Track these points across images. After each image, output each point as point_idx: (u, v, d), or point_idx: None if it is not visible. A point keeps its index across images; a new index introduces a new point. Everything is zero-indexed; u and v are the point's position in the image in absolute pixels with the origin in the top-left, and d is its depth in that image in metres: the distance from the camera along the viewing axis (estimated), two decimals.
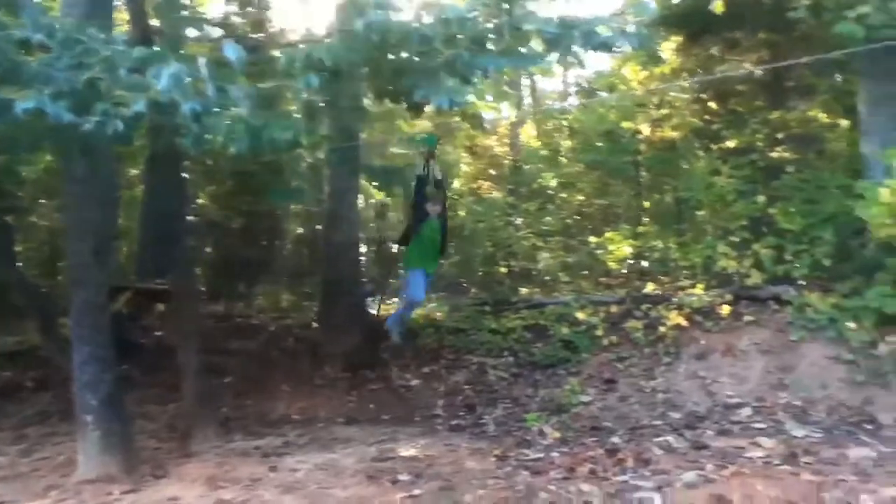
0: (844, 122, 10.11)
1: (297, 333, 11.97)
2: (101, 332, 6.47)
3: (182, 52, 7.53)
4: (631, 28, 6.29)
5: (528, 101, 21.97)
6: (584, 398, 8.59)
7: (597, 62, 22.40)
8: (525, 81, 22.26)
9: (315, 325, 11.96)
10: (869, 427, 6.95)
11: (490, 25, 6.58)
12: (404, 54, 6.29)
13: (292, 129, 5.64)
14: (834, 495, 5.07)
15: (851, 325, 8.02)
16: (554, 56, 6.44)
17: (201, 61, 4.49)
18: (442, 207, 8.20)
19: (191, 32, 9.78)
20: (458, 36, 6.48)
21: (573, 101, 17.11)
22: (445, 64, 6.40)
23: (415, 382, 10.26)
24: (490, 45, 6.55)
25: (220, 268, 13.99)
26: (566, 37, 6.26)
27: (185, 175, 11.53)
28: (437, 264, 8.08)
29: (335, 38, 5.99)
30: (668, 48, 10.47)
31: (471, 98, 15.84)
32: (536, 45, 6.46)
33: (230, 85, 4.55)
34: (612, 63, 13.24)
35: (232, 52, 4.49)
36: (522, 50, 6.48)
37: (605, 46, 6.22)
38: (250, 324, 13.11)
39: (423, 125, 13.28)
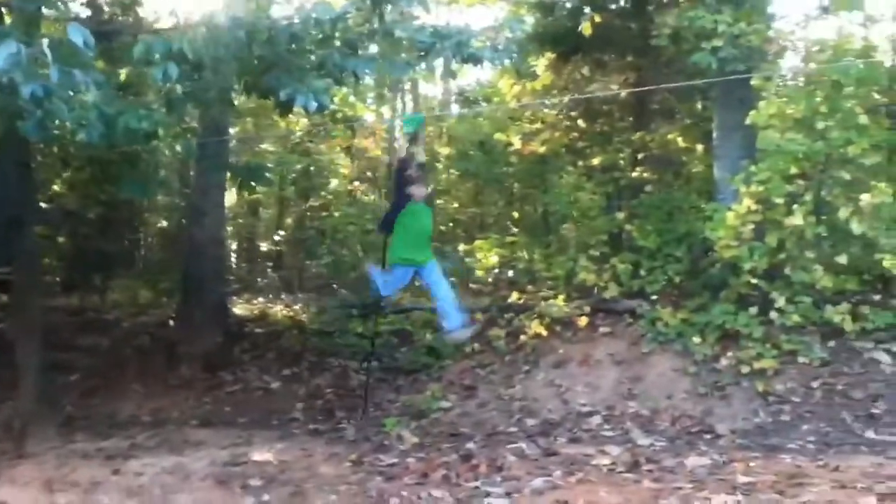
0: (700, 147, 10.70)
1: (154, 331, 11.48)
2: None
3: (40, 31, 7.05)
4: (501, 44, 6.41)
5: (410, 106, 22.17)
6: (444, 404, 8.67)
7: (476, 73, 22.85)
8: (407, 87, 22.54)
9: (173, 323, 11.49)
10: (707, 437, 7.33)
11: (363, 30, 6.57)
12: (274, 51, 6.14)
13: (150, 119, 5.39)
14: (670, 502, 5.31)
15: (697, 339, 8.47)
16: (425, 64, 6.47)
17: (44, 42, 4.19)
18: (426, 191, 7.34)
19: (49, 11, 9.14)
20: (330, 38, 6.43)
21: (454, 109, 17.33)
22: (318, 64, 6.32)
23: (275, 385, 10.06)
24: (364, 50, 6.53)
25: (76, 259, 13.20)
26: (438, 47, 6.31)
27: (32, 160, 10.79)
28: (430, 254, 7.03)
29: (200, 30, 5.75)
30: (542, 65, 10.75)
31: (342, 99, 16.04)
32: (409, 52, 6.50)
33: (77, 69, 4.26)
34: (491, 75, 13.54)
35: (77, 34, 4.20)
36: (403, 56, 6.50)
37: (476, 59, 6.31)
38: (104, 319, 12.47)
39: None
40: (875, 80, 8.25)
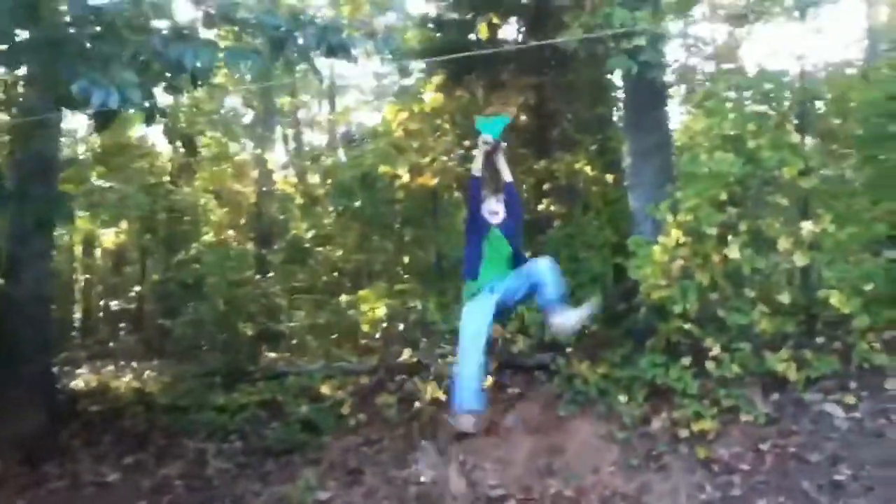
0: (611, 177, 9.58)
1: None
2: None
3: None
4: (380, 33, 4.97)
5: (292, 146, 20.54)
6: (323, 495, 6.98)
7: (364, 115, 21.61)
8: (290, 133, 20.96)
9: None
10: None
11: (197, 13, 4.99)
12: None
13: None
14: None
15: (623, 398, 7.16)
16: (283, 58, 4.94)
17: None
18: (509, 213, 5.55)
19: None
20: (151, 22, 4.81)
21: (340, 153, 15.80)
22: (131, 53, 4.67)
23: (113, 477, 8.07)
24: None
25: None
26: (296, 35, 4.80)
27: None
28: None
29: None
30: (430, 86, 9.45)
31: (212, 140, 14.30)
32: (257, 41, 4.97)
33: None
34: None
35: None
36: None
37: (345, 50, 4.82)
38: None
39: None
40: (814, 94, 7.31)
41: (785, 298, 6.96)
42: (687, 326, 7.01)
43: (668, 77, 8.02)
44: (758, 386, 7.15)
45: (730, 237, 6.83)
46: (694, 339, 7.14)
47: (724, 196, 6.89)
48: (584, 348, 8.04)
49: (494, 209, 5.34)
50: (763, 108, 7.48)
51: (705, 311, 7.21)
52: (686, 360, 7.08)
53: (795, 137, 6.92)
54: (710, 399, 6.94)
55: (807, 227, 6.86)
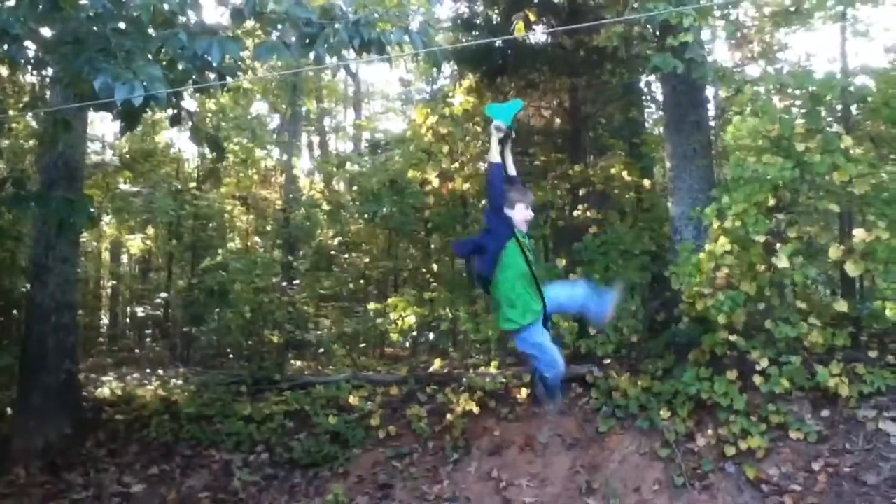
0: (647, 182, 9.26)
1: None
2: None
3: None
4: (415, 26, 4.73)
5: (317, 153, 20.42)
6: None
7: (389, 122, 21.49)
8: (316, 140, 20.86)
9: (11, 411, 9.11)
10: None
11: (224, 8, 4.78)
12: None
13: None
14: None
15: (665, 413, 6.84)
16: (314, 54, 4.71)
17: None
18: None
19: None
20: (178, 17, 4.61)
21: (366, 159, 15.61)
22: (157, 48, 4.48)
23: (137, 488, 7.94)
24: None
25: None
26: (328, 30, 4.58)
27: None
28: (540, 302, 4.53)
29: None
30: (462, 88, 9.18)
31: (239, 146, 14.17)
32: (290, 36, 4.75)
33: None
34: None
35: None
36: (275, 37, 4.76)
37: (379, 45, 4.58)
38: None
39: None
40: (861, 96, 6.95)
41: (841, 307, 6.59)
42: (732, 338, 6.67)
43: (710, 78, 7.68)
44: (806, 401, 6.82)
45: (778, 245, 6.49)
46: (740, 352, 6.81)
47: (772, 201, 6.56)
48: (623, 360, 7.73)
49: (528, 217, 4.54)
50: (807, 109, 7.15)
51: (751, 323, 6.89)
52: (731, 374, 6.76)
53: (847, 140, 6.55)
54: (758, 415, 6.62)
55: (859, 234, 6.50)
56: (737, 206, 6.44)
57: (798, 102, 6.98)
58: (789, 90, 7.12)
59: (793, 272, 6.46)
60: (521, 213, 4.46)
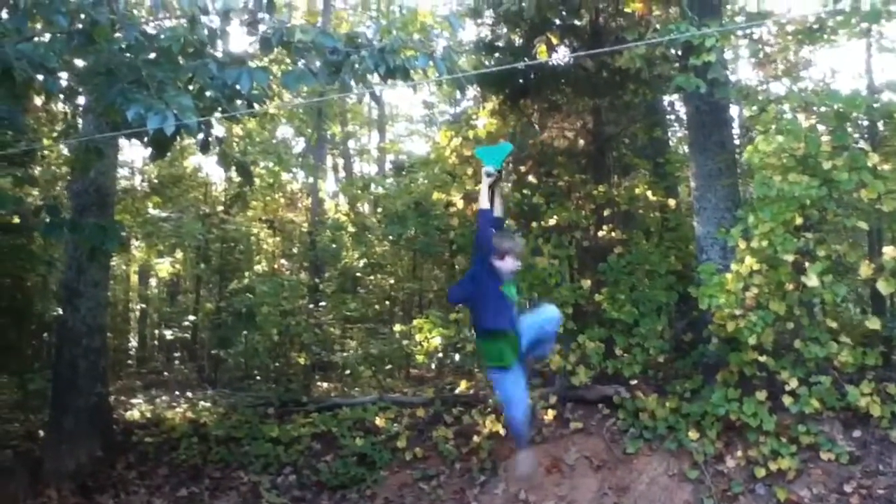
0: (672, 202, 9.23)
1: (18, 444, 9.19)
2: None
3: None
4: (439, 51, 4.80)
5: (342, 175, 20.57)
6: None
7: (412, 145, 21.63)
8: (341, 163, 21.03)
9: (43, 433, 9.25)
10: None
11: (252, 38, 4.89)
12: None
13: None
14: None
15: (693, 434, 6.77)
16: (339, 82, 4.79)
17: None
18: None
19: None
20: (208, 48, 4.72)
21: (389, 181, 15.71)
22: (187, 78, 4.59)
23: None
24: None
25: None
26: (353, 57, 4.66)
27: None
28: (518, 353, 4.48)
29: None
30: (486, 111, 9.25)
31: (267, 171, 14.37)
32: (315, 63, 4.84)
33: None
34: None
35: None
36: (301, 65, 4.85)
37: (404, 72, 4.66)
38: None
39: None
40: (887, 112, 6.91)
41: (873, 325, 6.51)
42: (761, 358, 6.62)
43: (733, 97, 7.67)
44: (837, 422, 6.74)
45: (807, 264, 6.44)
46: (769, 372, 6.74)
47: (799, 220, 6.52)
48: (650, 381, 7.67)
49: (515, 269, 4.53)
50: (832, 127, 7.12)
51: (780, 342, 6.83)
52: (761, 395, 6.69)
53: (874, 157, 6.50)
54: (788, 436, 6.55)
55: (889, 252, 6.44)
56: (763, 225, 6.41)
57: (824, 120, 6.93)
58: (814, 108, 7.10)
59: (822, 291, 6.40)
60: (509, 265, 4.44)
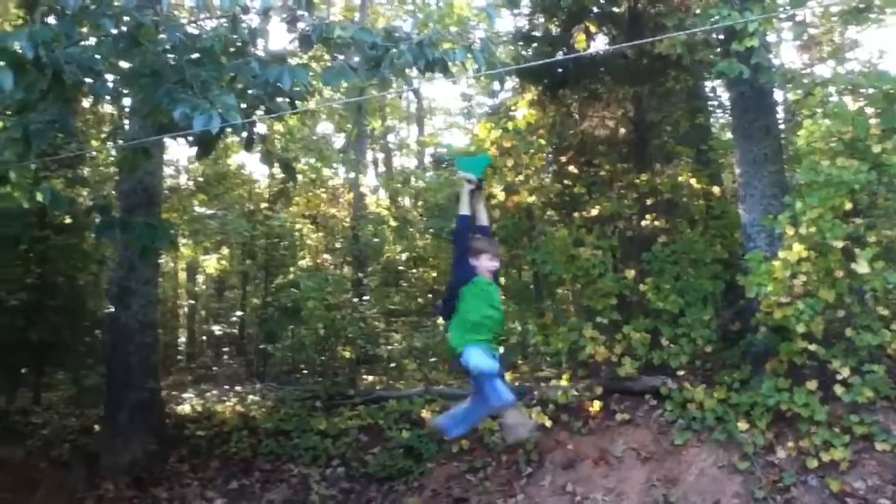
0: (717, 189, 9.09)
1: (77, 438, 9.46)
2: None
3: None
4: (476, 44, 4.80)
5: (382, 170, 20.68)
6: None
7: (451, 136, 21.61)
8: (381, 157, 21.14)
9: (98, 428, 9.50)
10: None
11: (292, 35, 4.94)
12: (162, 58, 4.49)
13: None
14: None
15: (743, 425, 6.69)
16: (377, 76, 4.82)
17: None
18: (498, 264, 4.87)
19: None
20: (249, 46, 4.78)
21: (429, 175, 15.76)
22: (230, 77, 4.66)
23: (219, 502, 8.15)
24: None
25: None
26: (393, 52, 4.68)
27: None
28: (496, 347, 4.65)
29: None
30: (524, 101, 9.20)
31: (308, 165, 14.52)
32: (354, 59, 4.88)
33: None
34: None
35: None
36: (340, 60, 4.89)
37: (443, 65, 4.67)
38: (29, 423, 10.42)
39: None
40: None
41: None
42: (812, 347, 6.50)
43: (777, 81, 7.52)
44: (891, 411, 6.58)
45: (856, 250, 6.30)
46: (819, 361, 6.62)
47: (848, 205, 6.38)
48: (697, 371, 7.59)
49: (491, 267, 4.65)
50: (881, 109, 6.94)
51: (830, 331, 6.70)
52: (811, 384, 6.57)
53: None
54: (841, 426, 6.42)
55: None
56: (811, 211, 6.30)
57: (872, 102, 6.77)
58: (862, 90, 6.93)
59: (873, 278, 6.27)
60: (485, 263, 4.57)
